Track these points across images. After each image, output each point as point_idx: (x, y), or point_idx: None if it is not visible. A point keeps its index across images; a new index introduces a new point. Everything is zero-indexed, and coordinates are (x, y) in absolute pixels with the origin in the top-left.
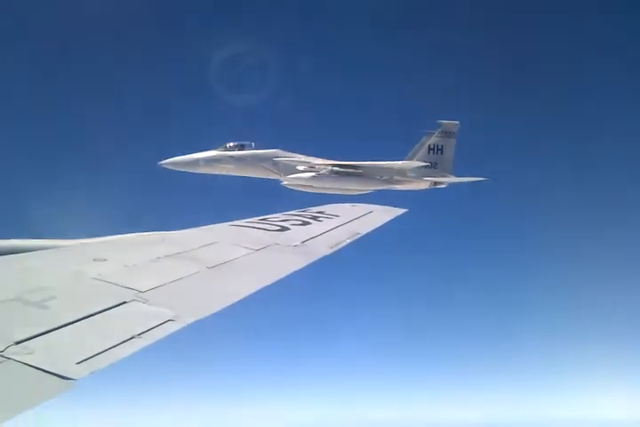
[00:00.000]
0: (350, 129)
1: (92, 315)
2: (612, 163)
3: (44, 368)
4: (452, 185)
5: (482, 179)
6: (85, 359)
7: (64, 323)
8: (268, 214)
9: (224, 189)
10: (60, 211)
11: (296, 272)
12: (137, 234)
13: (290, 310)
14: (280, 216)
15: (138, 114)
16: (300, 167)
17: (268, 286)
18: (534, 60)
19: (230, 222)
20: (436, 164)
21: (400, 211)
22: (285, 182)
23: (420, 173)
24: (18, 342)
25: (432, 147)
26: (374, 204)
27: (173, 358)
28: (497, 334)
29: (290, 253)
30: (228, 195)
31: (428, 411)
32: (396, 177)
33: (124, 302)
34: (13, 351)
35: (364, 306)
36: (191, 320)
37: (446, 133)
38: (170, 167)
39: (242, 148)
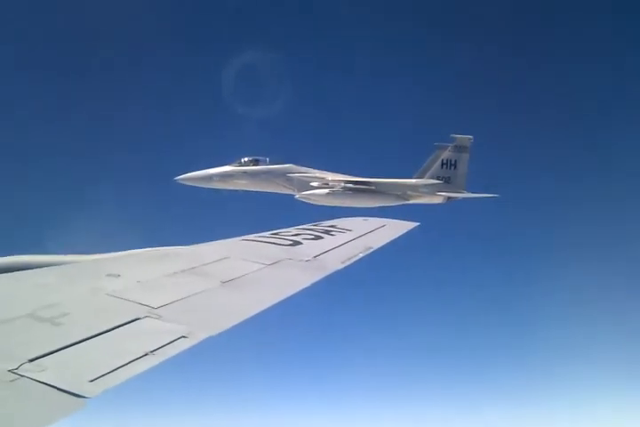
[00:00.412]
0: (363, 141)
1: (104, 332)
2: (632, 179)
3: (58, 386)
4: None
5: (494, 195)
6: (98, 377)
7: (77, 340)
8: (280, 228)
9: (236, 202)
10: (74, 226)
11: (308, 287)
12: (150, 249)
13: (302, 325)
14: (292, 230)
15: (153, 128)
16: (314, 183)
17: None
18: (549, 73)
19: (242, 237)
20: (449, 178)
21: (412, 225)
22: (299, 197)
23: (433, 189)
24: (31, 360)
25: (445, 162)
26: (387, 217)
27: (186, 374)
28: (507, 353)
29: (302, 268)
30: (241, 208)
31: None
32: (409, 192)
33: (137, 319)
34: (27, 369)
35: (376, 320)
36: (204, 337)
37: (460, 148)
38: (185, 182)
39: (256, 163)
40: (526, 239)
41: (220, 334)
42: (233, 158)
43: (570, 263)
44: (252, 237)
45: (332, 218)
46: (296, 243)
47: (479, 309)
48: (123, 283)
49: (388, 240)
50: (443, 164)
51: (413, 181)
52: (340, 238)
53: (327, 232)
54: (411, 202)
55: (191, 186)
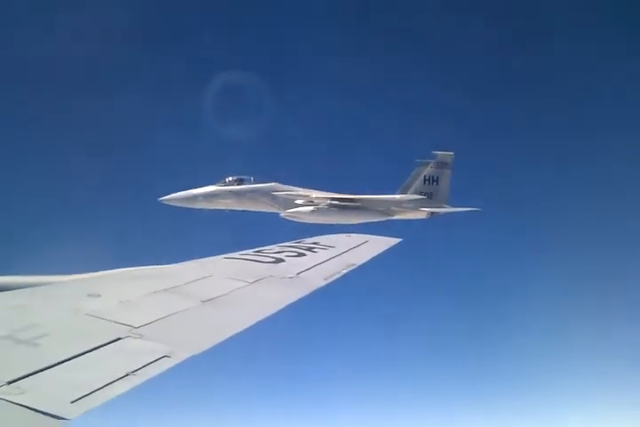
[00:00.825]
0: (344, 158)
1: (85, 352)
2: (612, 190)
3: (38, 408)
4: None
5: (476, 209)
6: (80, 398)
7: (57, 361)
8: (263, 246)
9: (220, 220)
10: (54, 246)
11: (291, 304)
12: (131, 268)
13: (285, 343)
14: (275, 248)
15: (136, 148)
16: (299, 201)
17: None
18: (532, 86)
19: (225, 255)
20: (432, 194)
21: (395, 240)
22: (284, 215)
23: (416, 204)
24: (10, 382)
25: (427, 178)
26: (369, 233)
27: (169, 394)
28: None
29: (285, 286)
30: (223, 226)
31: None
32: (393, 208)
33: (119, 339)
34: (5, 391)
35: (359, 337)
36: (186, 356)
37: (441, 164)
38: (170, 203)
39: (241, 182)
40: (509, 252)
41: (202, 353)
42: (217, 178)
43: (555, 275)
44: (234, 255)
45: (316, 235)
46: (279, 260)
47: (462, 323)
48: (103, 303)
49: (370, 256)
50: (425, 180)
51: (397, 196)
52: (322, 255)
53: (310, 249)
54: (395, 218)
55: (175, 206)
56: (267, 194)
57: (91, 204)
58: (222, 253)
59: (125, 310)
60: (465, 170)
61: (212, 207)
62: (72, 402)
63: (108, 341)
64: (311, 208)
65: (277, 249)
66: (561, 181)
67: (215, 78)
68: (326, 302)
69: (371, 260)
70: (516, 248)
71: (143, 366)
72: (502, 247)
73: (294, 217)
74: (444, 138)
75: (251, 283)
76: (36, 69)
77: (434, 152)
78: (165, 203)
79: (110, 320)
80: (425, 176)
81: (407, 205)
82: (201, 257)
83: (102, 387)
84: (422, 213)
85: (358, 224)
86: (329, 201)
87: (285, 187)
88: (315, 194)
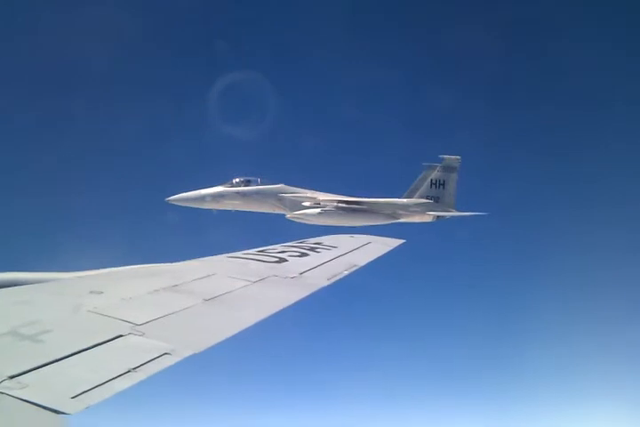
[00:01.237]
0: (352, 161)
1: (87, 349)
2: (622, 196)
3: (39, 403)
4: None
5: (483, 213)
6: (80, 394)
7: (59, 357)
8: (267, 245)
9: (225, 220)
10: (58, 243)
11: (294, 304)
12: (134, 266)
13: (287, 342)
14: (278, 247)
15: (144, 149)
16: (306, 203)
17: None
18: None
19: (228, 254)
20: (438, 198)
21: (398, 242)
22: (290, 217)
23: (423, 208)
24: (12, 377)
25: (434, 181)
26: (374, 234)
27: (170, 391)
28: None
29: (287, 285)
30: (230, 226)
31: None
32: (399, 211)
33: (121, 336)
34: (7, 386)
35: (361, 338)
36: (188, 354)
37: (448, 168)
38: (176, 203)
39: (248, 183)
40: (515, 257)
41: (204, 351)
42: (224, 179)
43: (560, 280)
44: (238, 254)
45: (320, 235)
46: (282, 260)
47: (465, 325)
48: (106, 300)
49: (373, 257)
50: (432, 183)
51: (404, 200)
52: (325, 255)
53: (313, 249)
54: (400, 220)
55: (182, 206)
56: (273, 195)
57: (97, 203)
58: (226, 253)
59: (128, 308)
60: (472, 174)
61: (218, 208)
62: (73, 397)
63: (109, 337)
64: (318, 210)
65: (280, 249)
66: (568, 186)
67: (224, 79)
68: (329, 302)
69: (374, 261)
70: (522, 253)
71: (144, 364)
72: (507, 251)
73: (301, 219)
74: (452, 142)
75: (253, 282)
76: (44, 70)
77: (441, 156)
78: (172, 203)
79: (112, 317)
80: (432, 180)
81: (414, 208)
82: (205, 256)
83: (103, 383)
84: (428, 217)
85: (363, 226)
86: (336, 204)
87: (292, 189)
88: (322, 196)
